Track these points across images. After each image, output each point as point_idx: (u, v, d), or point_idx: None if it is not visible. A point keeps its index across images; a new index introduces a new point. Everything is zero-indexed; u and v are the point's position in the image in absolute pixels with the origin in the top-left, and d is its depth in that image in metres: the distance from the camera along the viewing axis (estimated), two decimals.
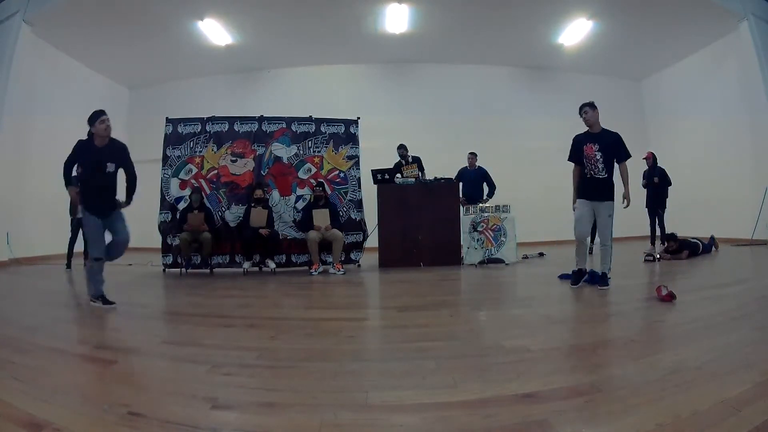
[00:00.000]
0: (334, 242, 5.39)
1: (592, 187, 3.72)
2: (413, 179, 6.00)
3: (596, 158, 3.64)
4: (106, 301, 3.23)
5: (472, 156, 6.92)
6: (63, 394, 1.59)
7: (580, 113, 3.73)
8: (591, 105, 3.70)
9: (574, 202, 3.84)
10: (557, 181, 8.97)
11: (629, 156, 3.74)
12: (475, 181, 6.74)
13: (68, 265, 6.18)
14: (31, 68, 7.11)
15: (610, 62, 9.44)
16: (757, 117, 7.41)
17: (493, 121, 9.56)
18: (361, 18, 7.75)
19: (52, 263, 6.79)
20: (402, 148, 6.42)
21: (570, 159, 3.90)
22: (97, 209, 3.29)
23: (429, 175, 6.21)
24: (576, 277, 3.83)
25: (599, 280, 3.70)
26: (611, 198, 3.70)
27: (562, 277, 4.33)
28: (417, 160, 6.34)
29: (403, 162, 6.32)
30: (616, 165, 3.76)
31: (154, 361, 2.09)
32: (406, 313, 3.06)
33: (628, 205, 3.75)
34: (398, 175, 6.12)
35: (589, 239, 4.06)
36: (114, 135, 3.32)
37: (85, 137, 3.33)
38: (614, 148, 3.68)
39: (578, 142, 3.80)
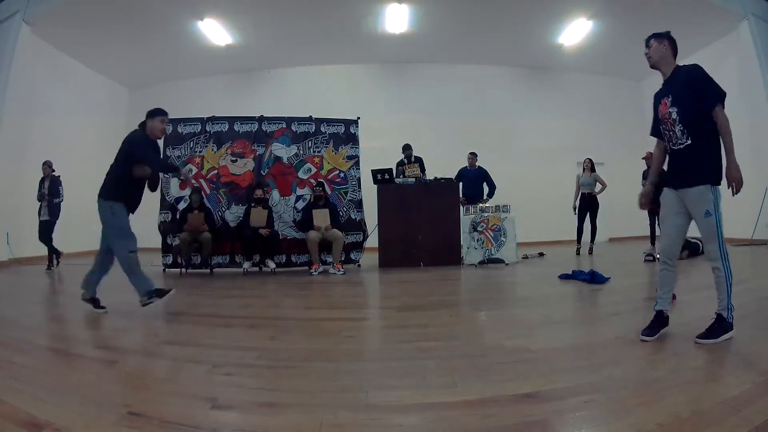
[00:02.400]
0: (334, 242, 5.39)
1: (672, 167, 2.28)
2: (413, 179, 6.01)
3: (672, 119, 2.20)
4: (161, 293, 3.07)
5: (473, 156, 6.93)
6: (63, 394, 1.59)
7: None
8: (658, 36, 2.28)
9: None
10: (557, 181, 9.03)
11: (722, 96, 2.11)
12: (475, 181, 6.75)
13: (50, 266, 6.14)
14: (31, 68, 7.12)
15: (610, 62, 9.44)
16: (757, 117, 7.41)
17: (493, 121, 9.57)
18: (361, 18, 7.75)
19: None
20: (408, 148, 6.47)
21: (652, 133, 2.42)
22: (133, 207, 3.19)
23: (429, 176, 6.22)
24: (656, 324, 2.27)
25: (713, 330, 2.13)
26: (704, 180, 2.13)
27: (562, 277, 4.33)
28: (419, 161, 6.38)
29: (405, 161, 6.35)
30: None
31: (154, 361, 2.09)
32: (405, 313, 3.06)
33: (738, 191, 2.14)
34: (400, 173, 6.15)
35: (659, 252, 2.45)
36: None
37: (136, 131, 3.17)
38: (692, 90, 2.13)
39: (656, 101, 2.34)
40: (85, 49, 8.10)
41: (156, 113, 3.21)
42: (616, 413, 1.37)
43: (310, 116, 6.16)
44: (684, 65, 2.26)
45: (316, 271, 5.30)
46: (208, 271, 5.67)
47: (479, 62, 9.60)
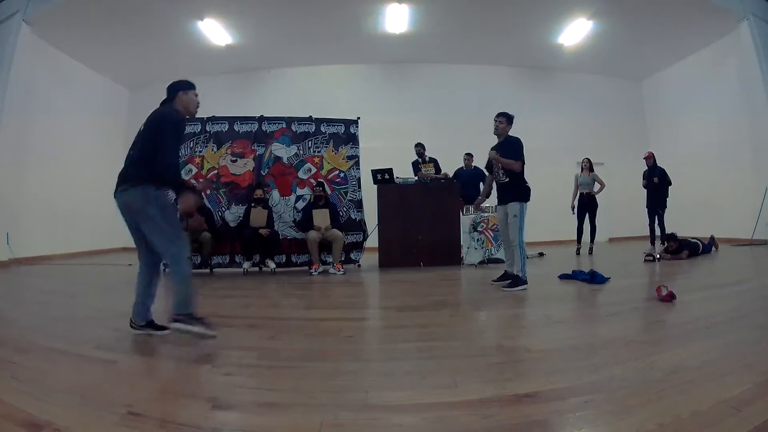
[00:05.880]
0: (334, 242, 5.39)
1: (499, 192, 4.21)
2: (415, 179, 6.05)
3: (499, 165, 4.02)
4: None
5: (468, 156, 6.93)
6: (63, 394, 1.59)
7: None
8: (506, 116, 4.18)
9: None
10: (557, 181, 9.01)
11: (519, 157, 4.04)
12: (471, 181, 6.74)
13: None
14: (31, 68, 7.11)
15: (610, 62, 9.44)
16: (757, 117, 7.41)
17: (493, 122, 9.55)
18: (361, 18, 7.75)
19: (52, 263, 6.79)
20: (419, 147, 6.51)
21: (486, 167, 4.41)
22: None
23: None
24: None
25: (515, 284, 3.83)
26: (516, 199, 3.96)
27: (562, 277, 4.33)
28: (434, 161, 6.41)
29: (420, 160, 6.40)
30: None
31: (154, 361, 2.09)
32: (406, 313, 3.06)
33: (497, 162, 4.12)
34: (417, 170, 6.25)
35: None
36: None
37: (166, 108, 2.50)
38: (504, 150, 4.07)
39: (491, 151, 4.27)
40: (85, 49, 8.08)
41: (189, 86, 2.53)
42: (616, 413, 1.37)
43: (310, 116, 6.15)
44: (511, 136, 4.09)
45: (316, 271, 5.30)
46: (208, 271, 5.67)
47: (479, 62, 9.59)
